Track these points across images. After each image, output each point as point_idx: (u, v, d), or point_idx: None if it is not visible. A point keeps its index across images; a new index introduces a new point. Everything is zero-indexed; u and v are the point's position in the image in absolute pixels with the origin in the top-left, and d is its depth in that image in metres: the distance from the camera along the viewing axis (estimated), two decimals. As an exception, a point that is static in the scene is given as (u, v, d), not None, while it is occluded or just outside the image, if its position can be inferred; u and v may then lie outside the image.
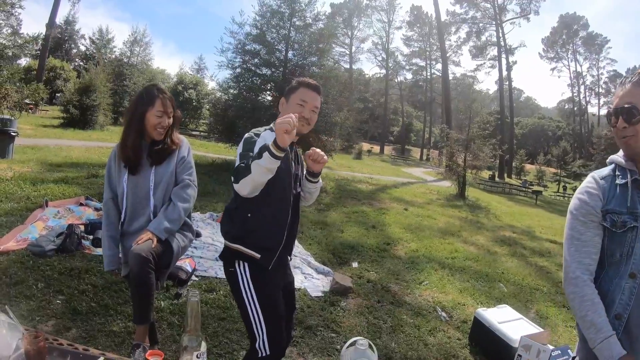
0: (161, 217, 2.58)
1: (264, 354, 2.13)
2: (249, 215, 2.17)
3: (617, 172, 1.75)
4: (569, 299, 1.80)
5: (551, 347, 3.22)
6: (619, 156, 1.77)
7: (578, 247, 1.77)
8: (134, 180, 2.64)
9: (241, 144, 2.14)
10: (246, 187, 1.96)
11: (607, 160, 1.85)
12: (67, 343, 1.72)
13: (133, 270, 2.35)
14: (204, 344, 1.57)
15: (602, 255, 1.77)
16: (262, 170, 1.88)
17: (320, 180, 2.35)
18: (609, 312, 1.70)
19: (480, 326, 4.06)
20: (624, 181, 1.71)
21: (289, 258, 2.40)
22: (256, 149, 2.01)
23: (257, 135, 2.16)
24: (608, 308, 1.71)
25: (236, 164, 2.03)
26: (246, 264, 2.18)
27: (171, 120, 2.70)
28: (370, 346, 1.86)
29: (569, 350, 3.31)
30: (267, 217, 2.18)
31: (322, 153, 2.14)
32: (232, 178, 2.01)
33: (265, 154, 1.84)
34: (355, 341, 1.86)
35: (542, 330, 3.85)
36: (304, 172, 2.36)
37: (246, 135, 2.19)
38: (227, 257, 2.25)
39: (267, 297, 2.19)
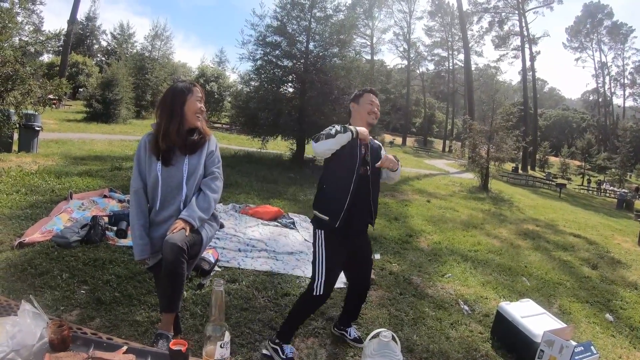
0: (193, 206, 2.61)
1: (318, 293, 2.99)
2: (324, 186, 3.08)
3: None
4: None
5: (574, 343, 3.18)
6: None
7: None
8: (166, 170, 2.67)
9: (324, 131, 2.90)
10: (321, 147, 2.80)
11: None
12: (91, 332, 1.73)
13: (167, 259, 2.37)
14: (227, 333, 1.56)
15: None
16: (339, 141, 2.76)
17: (399, 170, 3.21)
18: None
19: (502, 320, 4.00)
20: None
21: (363, 228, 3.23)
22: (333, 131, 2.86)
23: (333, 127, 2.86)
24: None
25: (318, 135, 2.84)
26: (322, 231, 3.04)
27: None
28: (393, 338, 1.84)
29: (592, 347, 3.27)
30: (334, 189, 3.01)
31: (394, 161, 3.02)
32: (312, 141, 2.86)
33: (348, 133, 2.76)
34: (379, 333, 1.84)
35: (565, 325, 3.78)
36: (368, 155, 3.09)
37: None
38: (313, 222, 3.15)
39: (332, 255, 3.02)
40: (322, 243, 3.03)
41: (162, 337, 2.42)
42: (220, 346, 1.52)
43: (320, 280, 2.98)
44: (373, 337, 1.86)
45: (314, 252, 3.08)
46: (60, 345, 1.51)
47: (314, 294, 2.99)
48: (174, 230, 2.44)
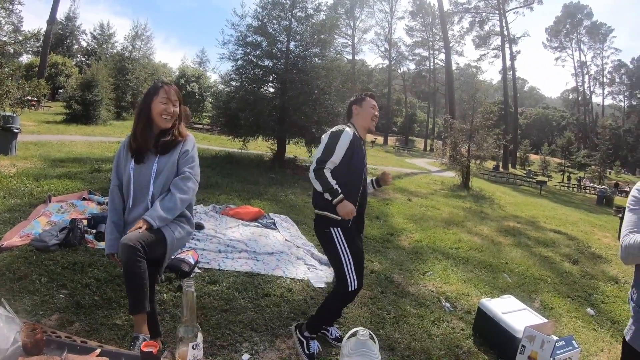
0: (156, 205, 2.60)
1: (353, 288, 3.10)
2: None
3: None
4: (627, 254, 1.84)
5: (555, 338, 3.21)
6: None
7: (627, 225, 1.89)
8: (138, 168, 2.68)
9: (328, 135, 3.16)
10: (314, 181, 3.06)
11: None
12: (65, 335, 1.72)
13: (122, 260, 2.37)
14: (199, 334, 1.56)
15: None
16: (322, 190, 3.03)
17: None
18: None
19: (484, 316, 4.04)
20: None
21: (363, 228, 3.50)
22: (343, 138, 3.09)
23: (342, 131, 3.14)
24: None
25: (320, 153, 3.09)
26: (338, 228, 3.15)
27: (177, 109, 2.78)
28: (371, 337, 1.85)
29: (573, 341, 3.31)
30: (344, 190, 3.08)
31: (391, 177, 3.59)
32: (314, 165, 3.07)
33: (329, 195, 3.03)
34: (356, 332, 1.84)
35: (546, 320, 3.82)
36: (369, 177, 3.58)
37: (334, 129, 3.19)
38: (319, 222, 3.26)
39: (354, 249, 3.17)
40: (341, 239, 3.17)
41: (138, 340, 2.41)
42: (193, 347, 1.52)
43: (351, 275, 3.11)
44: (350, 336, 1.87)
45: (336, 251, 3.17)
46: (34, 348, 1.50)
47: (350, 289, 3.11)
48: (130, 231, 2.45)
